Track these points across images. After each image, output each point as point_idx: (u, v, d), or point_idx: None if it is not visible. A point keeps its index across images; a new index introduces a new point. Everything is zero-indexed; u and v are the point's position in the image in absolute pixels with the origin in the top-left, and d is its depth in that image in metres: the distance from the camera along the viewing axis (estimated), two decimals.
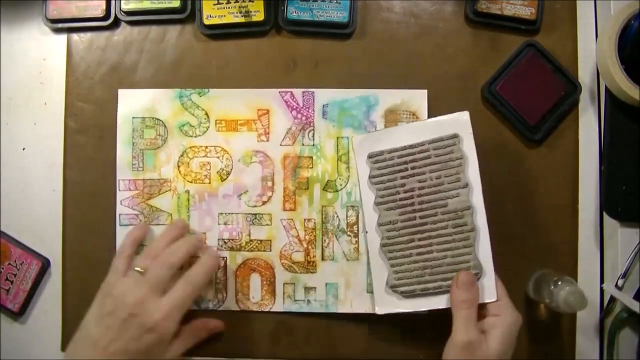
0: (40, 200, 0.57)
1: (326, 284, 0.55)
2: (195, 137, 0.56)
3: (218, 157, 0.56)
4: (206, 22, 0.56)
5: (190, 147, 0.56)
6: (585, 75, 0.57)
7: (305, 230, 0.56)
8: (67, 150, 0.57)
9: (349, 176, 0.56)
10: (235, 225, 0.56)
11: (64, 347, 0.56)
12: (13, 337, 0.57)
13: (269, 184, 0.56)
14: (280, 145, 0.56)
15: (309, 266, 0.56)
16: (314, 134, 0.56)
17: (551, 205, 0.56)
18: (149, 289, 0.48)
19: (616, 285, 0.54)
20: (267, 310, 0.55)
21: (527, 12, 0.55)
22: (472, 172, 0.51)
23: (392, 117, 0.56)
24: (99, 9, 0.57)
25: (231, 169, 0.56)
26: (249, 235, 0.56)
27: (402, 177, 0.52)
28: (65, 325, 0.56)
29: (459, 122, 0.51)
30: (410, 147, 0.52)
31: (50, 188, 0.57)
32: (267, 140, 0.56)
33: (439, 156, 0.51)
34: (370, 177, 0.53)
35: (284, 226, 0.56)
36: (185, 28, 0.58)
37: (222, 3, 0.56)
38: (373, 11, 0.57)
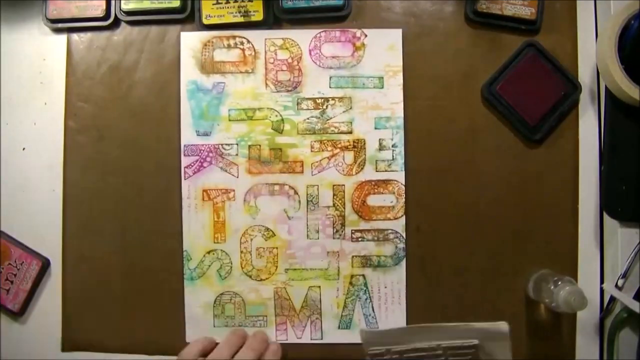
0: (40, 200, 0.57)
1: (375, 128, 0.56)
2: None
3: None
4: (205, 22, 0.56)
5: None
6: (585, 75, 0.56)
7: (321, 150, 0.56)
8: (67, 150, 0.57)
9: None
10: (321, 221, 0.56)
11: (64, 347, 0.56)
12: (13, 337, 0.57)
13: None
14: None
15: (357, 144, 0.56)
16: None
17: (551, 205, 0.56)
18: None
19: (616, 285, 0.54)
20: (404, 188, 0.56)
21: (527, 12, 0.55)
22: None
23: (209, 66, 0.56)
24: (99, 9, 0.57)
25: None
26: (329, 206, 0.56)
27: None
28: (65, 325, 0.56)
29: (494, 332, 0.47)
30: (423, 349, 0.49)
31: (50, 188, 0.57)
32: None
33: None
34: None
35: (319, 172, 0.56)
36: (184, 28, 0.58)
37: (221, 3, 0.56)
38: (373, 11, 0.57)
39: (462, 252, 0.56)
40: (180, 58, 0.57)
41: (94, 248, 0.56)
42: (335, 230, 0.56)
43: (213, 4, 0.56)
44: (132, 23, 0.58)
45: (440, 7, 0.57)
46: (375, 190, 0.56)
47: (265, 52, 0.56)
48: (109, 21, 0.57)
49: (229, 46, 0.57)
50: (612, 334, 0.54)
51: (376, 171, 0.56)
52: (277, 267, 0.56)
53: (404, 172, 0.55)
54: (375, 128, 0.56)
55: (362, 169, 0.56)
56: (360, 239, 0.56)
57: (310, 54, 0.56)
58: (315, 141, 0.56)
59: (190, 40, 0.57)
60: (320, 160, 0.56)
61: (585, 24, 0.57)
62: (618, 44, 0.52)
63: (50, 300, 0.57)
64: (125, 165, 0.57)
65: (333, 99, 0.56)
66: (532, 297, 0.54)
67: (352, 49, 0.56)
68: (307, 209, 0.56)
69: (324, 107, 0.56)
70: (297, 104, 0.56)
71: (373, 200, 0.56)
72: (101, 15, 0.57)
